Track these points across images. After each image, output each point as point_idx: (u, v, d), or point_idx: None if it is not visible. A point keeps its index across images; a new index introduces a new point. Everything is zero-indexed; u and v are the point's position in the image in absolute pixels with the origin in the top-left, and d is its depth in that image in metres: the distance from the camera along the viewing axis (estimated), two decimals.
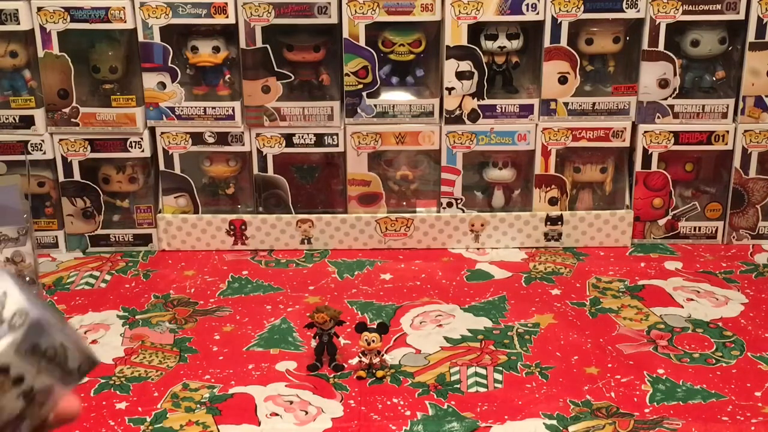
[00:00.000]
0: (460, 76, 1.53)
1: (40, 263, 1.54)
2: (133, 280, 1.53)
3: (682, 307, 1.43)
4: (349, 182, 1.59)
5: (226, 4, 1.48)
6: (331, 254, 1.59)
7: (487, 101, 1.55)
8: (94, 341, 1.35)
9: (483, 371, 1.27)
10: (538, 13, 1.49)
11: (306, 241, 1.61)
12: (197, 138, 1.57)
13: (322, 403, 1.20)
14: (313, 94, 1.58)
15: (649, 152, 1.58)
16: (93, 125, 1.55)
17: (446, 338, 1.35)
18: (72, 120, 1.55)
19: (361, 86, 1.54)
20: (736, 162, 1.58)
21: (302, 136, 1.57)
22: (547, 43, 1.51)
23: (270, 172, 1.59)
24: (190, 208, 1.61)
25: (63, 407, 0.55)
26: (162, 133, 1.57)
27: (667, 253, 1.60)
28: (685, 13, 1.50)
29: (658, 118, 1.56)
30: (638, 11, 1.50)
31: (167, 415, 1.18)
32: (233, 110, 1.55)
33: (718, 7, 1.49)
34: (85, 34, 1.51)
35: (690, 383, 1.24)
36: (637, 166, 1.59)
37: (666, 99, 1.55)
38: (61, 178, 1.58)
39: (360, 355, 1.26)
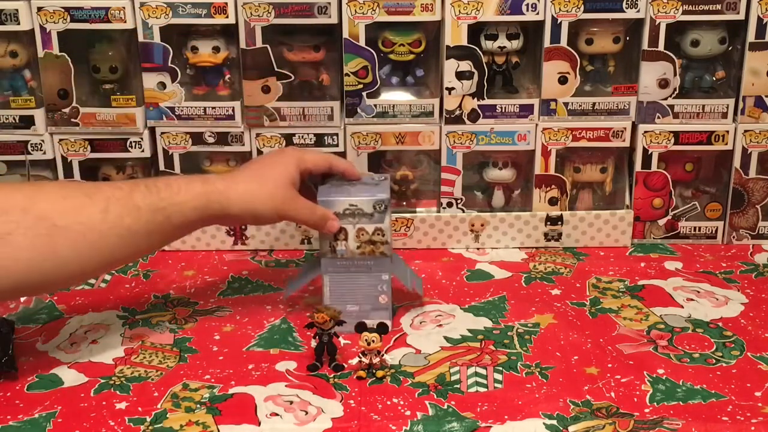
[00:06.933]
0: (460, 76, 1.53)
1: None
2: (133, 280, 1.53)
3: (682, 307, 1.43)
4: None
5: (226, 4, 1.48)
6: None
7: (487, 101, 1.55)
8: (94, 341, 1.35)
9: (483, 371, 1.27)
10: (538, 13, 1.49)
11: (306, 241, 1.61)
12: (197, 138, 1.57)
13: (322, 403, 1.20)
14: (313, 94, 1.58)
15: (649, 152, 1.58)
16: (93, 125, 1.55)
17: (446, 338, 1.35)
18: (72, 120, 1.55)
19: (361, 86, 1.54)
20: (736, 162, 1.58)
21: (302, 136, 1.57)
22: (547, 43, 1.51)
23: None
24: None
25: None
26: (162, 133, 1.57)
27: (667, 253, 1.60)
28: (685, 13, 1.50)
29: (658, 118, 1.56)
30: (638, 11, 1.50)
31: (167, 415, 1.18)
32: (233, 110, 1.55)
33: (718, 7, 1.49)
34: (85, 34, 1.51)
35: (690, 383, 1.24)
36: (637, 166, 1.59)
37: (666, 99, 1.55)
38: (61, 178, 1.58)
39: (360, 355, 1.26)
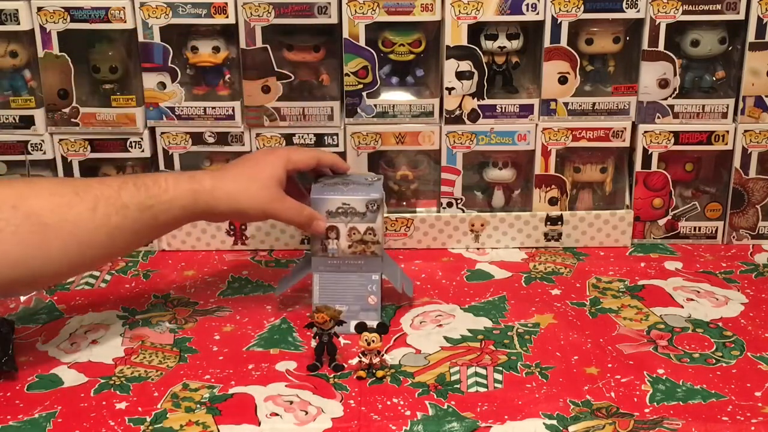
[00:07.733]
0: (460, 76, 1.53)
1: None
2: (133, 280, 1.53)
3: (682, 307, 1.43)
4: None
5: (226, 4, 1.48)
6: None
7: (487, 101, 1.55)
8: (94, 341, 1.35)
9: (483, 371, 1.27)
10: (538, 13, 1.49)
11: (306, 241, 1.61)
12: (197, 138, 1.57)
13: (322, 403, 1.20)
14: (313, 94, 1.58)
15: (649, 152, 1.58)
16: (93, 125, 1.55)
17: (446, 338, 1.35)
18: (72, 120, 1.55)
19: (361, 86, 1.54)
20: (736, 162, 1.58)
21: (302, 136, 1.57)
22: (547, 43, 1.51)
23: None
24: None
25: None
26: (162, 133, 1.57)
27: (667, 253, 1.60)
28: (685, 13, 1.50)
29: (658, 118, 1.56)
30: (638, 11, 1.50)
31: (167, 415, 1.18)
32: (233, 110, 1.55)
33: (718, 7, 1.49)
34: (85, 34, 1.51)
35: (690, 383, 1.24)
36: (637, 166, 1.59)
37: (666, 99, 1.55)
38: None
39: (360, 355, 1.26)
